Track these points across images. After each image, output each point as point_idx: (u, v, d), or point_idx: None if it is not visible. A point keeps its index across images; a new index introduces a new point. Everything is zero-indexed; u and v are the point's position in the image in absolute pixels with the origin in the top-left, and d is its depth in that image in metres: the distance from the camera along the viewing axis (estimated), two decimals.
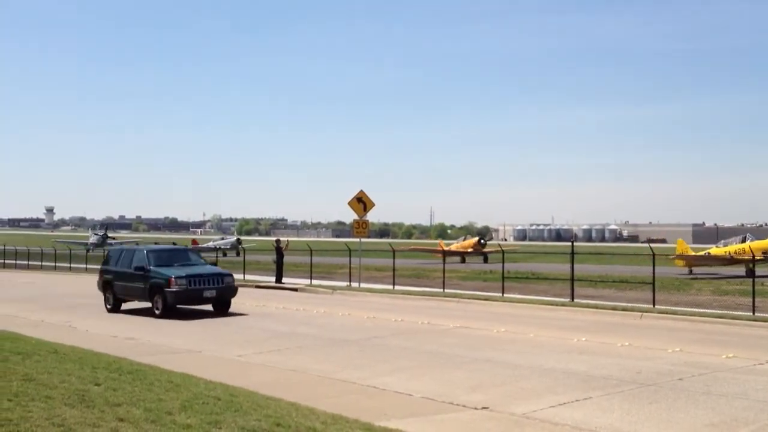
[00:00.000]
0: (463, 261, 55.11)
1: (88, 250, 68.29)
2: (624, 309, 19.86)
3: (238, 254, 63.51)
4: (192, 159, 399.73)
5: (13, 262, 60.56)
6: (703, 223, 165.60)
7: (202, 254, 60.20)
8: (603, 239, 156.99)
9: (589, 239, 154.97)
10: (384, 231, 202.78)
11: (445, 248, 55.13)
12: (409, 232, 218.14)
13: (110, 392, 8.46)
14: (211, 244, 74.52)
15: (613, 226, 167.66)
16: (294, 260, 40.89)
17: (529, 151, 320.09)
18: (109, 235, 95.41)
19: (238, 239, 77.61)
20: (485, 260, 55.35)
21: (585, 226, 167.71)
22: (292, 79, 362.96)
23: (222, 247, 67.94)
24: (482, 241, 60.25)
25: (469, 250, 57.75)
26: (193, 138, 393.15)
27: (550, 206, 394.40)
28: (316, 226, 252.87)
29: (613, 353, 13.33)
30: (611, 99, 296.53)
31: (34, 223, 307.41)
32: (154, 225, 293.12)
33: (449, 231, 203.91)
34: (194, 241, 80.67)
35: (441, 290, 26.84)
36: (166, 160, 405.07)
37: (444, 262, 31.54)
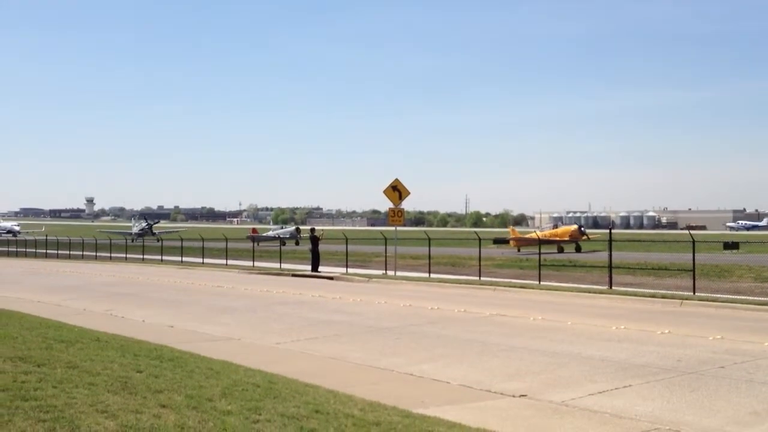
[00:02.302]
0: (561, 251, 48.84)
1: (132, 240, 69.38)
2: (663, 296, 19.62)
3: (297, 243, 63.97)
4: (228, 149, 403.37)
5: (56, 252, 61.75)
6: (744, 210, 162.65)
7: (263, 243, 61.13)
8: (641, 226, 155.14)
9: (627, 226, 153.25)
10: (419, 219, 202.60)
11: (539, 236, 48.15)
12: (444, 220, 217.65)
13: (152, 379, 8.59)
14: (271, 233, 75.53)
15: (651, 213, 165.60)
16: (329, 249, 41.07)
17: (565, 137, 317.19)
18: (153, 224, 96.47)
19: (297, 228, 78.16)
20: (578, 250, 50.00)
21: (623, 213, 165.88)
22: (327, 67, 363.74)
23: (282, 236, 68.71)
24: (582, 228, 55.04)
25: (566, 238, 52.06)
26: (229, 128, 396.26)
27: (587, 193, 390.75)
28: (351, 215, 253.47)
29: (653, 341, 13.18)
30: (650, 83, 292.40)
31: (75, 214, 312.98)
32: (192, 215, 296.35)
33: (484, 219, 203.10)
34: (254, 230, 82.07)
35: (477, 278, 26.76)
36: (203, 150, 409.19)
37: (540, 252, 27.88)
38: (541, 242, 34.07)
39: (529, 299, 20.97)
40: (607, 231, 25.29)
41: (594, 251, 46.70)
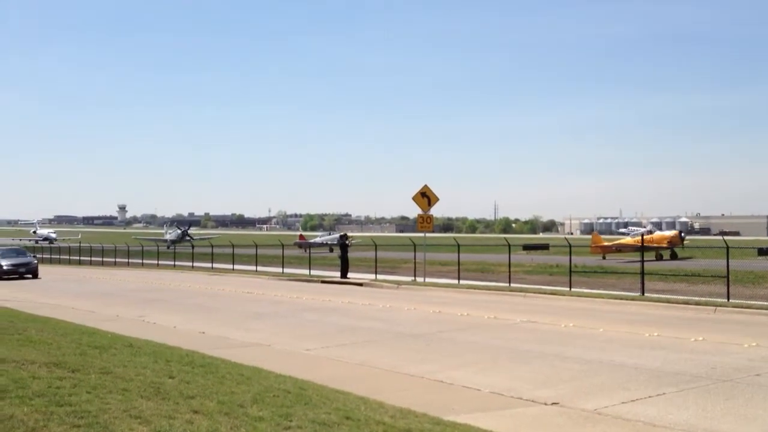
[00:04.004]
0: (660, 258, 46.82)
1: (167, 246, 70.10)
2: (697, 303, 19.36)
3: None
4: (258, 156, 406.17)
5: (89, 258, 62.59)
6: None
7: (312, 249, 60.17)
8: None
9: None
10: (447, 226, 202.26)
11: (632, 242, 46.07)
12: (473, 226, 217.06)
13: (184, 385, 8.65)
14: (318, 239, 76.02)
15: (684, 219, 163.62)
16: (358, 255, 41.16)
17: (595, 142, 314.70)
18: (189, 232, 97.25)
19: (345, 235, 78.23)
20: (673, 257, 47.76)
21: (654, 219, 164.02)
22: (357, 74, 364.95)
23: (330, 242, 69.03)
24: (682, 234, 52.35)
25: (665, 244, 49.37)
26: (258, 135, 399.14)
27: (617, 199, 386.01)
28: (379, 221, 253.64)
29: (687, 348, 13.00)
30: (681, 88, 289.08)
31: (108, 221, 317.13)
32: (222, 221, 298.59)
33: (514, 225, 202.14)
34: (301, 237, 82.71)
35: (507, 285, 26.61)
36: (233, 157, 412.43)
37: (642, 260, 24.71)
38: (640, 249, 32.15)
39: (560, 306, 20.81)
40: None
41: (689, 258, 45.63)
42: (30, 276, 41.36)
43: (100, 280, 39.42)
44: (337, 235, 78.71)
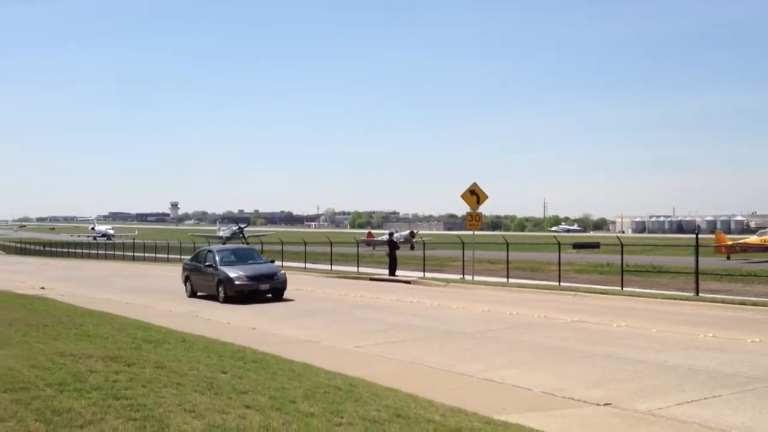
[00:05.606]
0: None
1: (223, 243, 71.11)
2: (754, 304, 18.90)
3: (412, 248, 63.66)
4: (306, 153, 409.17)
5: (142, 254, 63.86)
6: None
7: (377, 247, 59.30)
8: (728, 231, 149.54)
9: (714, 231, 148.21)
10: (496, 224, 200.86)
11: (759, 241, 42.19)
12: (522, 224, 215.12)
13: (236, 380, 8.78)
14: (383, 238, 76.26)
15: (739, 217, 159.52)
16: (407, 253, 41.14)
17: (646, 139, 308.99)
18: (243, 228, 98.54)
19: (412, 232, 78.55)
20: None
21: (709, 218, 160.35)
22: (402, 72, 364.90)
23: (396, 240, 69.16)
24: None
25: None
26: (307, 133, 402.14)
27: (669, 197, 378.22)
28: (427, 219, 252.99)
29: (743, 349, 12.70)
30: (734, 85, 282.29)
31: (160, 218, 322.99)
32: (271, 218, 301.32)
33: (563, 223, 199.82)
34: (370, 234, 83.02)
35: (557, 283, 26.33)
36: (282, 154, 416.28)
37: None
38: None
39: (611, 305, 20.51)
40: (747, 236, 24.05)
41: None
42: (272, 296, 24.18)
43: (152, 276, 40.19)
44: (404, 233, 78.84)
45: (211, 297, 24.19)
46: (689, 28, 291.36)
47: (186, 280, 26.35)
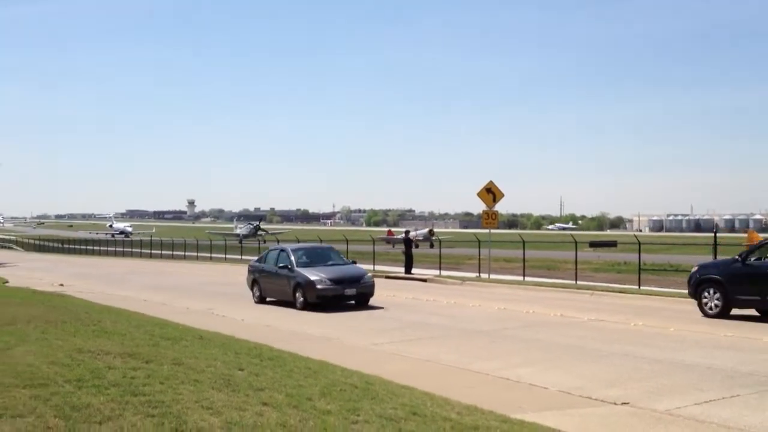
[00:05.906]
0: None
1: (239, 241, 71.35)
2: None
3: (431, 246, 63.62)
4: (322, 151, 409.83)
5: (160, 252, 64.25)
6: None
7: (396, 245, 58.78)
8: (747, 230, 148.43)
9: (732, 230, 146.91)
10: (512, 222, 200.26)
11: None
12: (538, 222, 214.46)
13: (253, 377, 8.81)
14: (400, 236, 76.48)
15: (758, 216, 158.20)
16: (422, 251, 41.10)
17: (663, 137, 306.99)
18: (261, 226, 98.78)
19: (431, 231, 78.68)
20: None
21: (727, 216, 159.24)
22: (419, 70, 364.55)
23: (416, 238, 69.36)
24: None
25: None
26: (322, 131, 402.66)
27: (686, 196, 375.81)
28: (443, 217, 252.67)
29: (762, 349, 12.60)
30: (752, 82, 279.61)
31: (177, 215, 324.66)
32: (287, 216, 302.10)
33: (580, 221, 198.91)
34: (390, 232, 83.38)
35: (573, 282, 26.22)
36: (298, 152, 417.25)
37: None
38: None
39: (629, 304, 20.40)
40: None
41: None
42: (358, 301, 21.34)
43: (169, 273, 40.40)
44: (423, 231, 78.85)
45: (284, 303, 21.43)
46: (704, 27, 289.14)
47: (253, 284, 23.03)
